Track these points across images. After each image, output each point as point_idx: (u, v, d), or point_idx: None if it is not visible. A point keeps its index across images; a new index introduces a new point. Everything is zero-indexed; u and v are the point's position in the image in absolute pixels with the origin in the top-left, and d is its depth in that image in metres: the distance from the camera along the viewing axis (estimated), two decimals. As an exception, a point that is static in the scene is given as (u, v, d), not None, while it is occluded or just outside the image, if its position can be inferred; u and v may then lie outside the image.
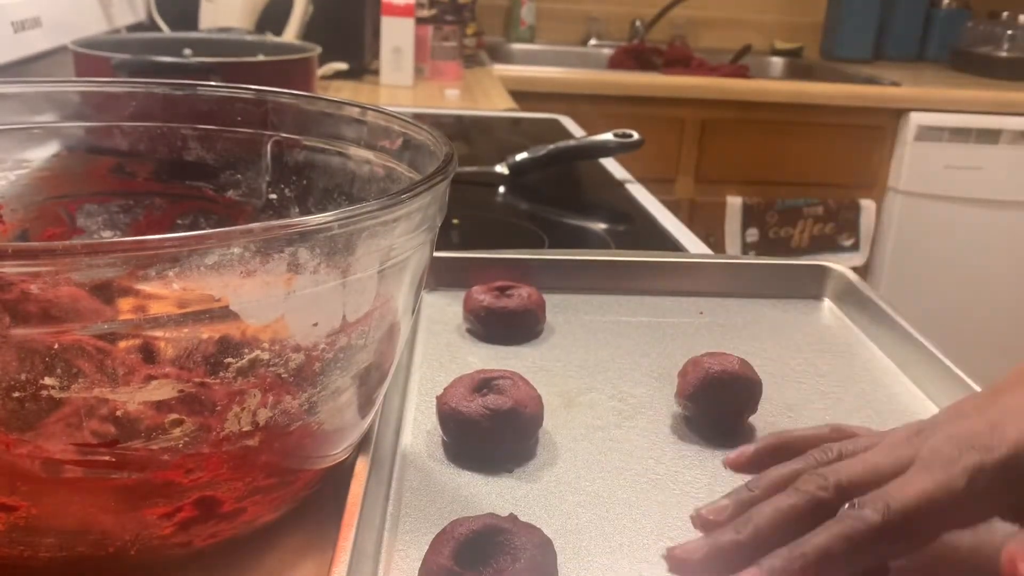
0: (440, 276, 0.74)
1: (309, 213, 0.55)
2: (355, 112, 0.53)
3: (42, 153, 0.54)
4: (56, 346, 0.33)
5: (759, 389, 0.55)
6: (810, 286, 0.77)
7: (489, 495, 0.48)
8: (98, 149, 0.55)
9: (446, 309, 0.71)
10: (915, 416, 0.59)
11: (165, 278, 0.32)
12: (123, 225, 0.57)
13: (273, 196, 0.56)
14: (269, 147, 0.55)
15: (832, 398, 0.60)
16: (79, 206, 0.56)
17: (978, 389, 0.56)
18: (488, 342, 0.66)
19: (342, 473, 0.45)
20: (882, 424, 0.57)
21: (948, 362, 0.60)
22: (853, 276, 0.75)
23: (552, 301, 0.71)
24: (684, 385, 0.55)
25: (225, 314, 0.34)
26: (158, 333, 0.33)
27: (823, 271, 0.77)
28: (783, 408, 0.56)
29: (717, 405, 0.54)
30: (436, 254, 0.73)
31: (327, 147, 0.54)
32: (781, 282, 0.77)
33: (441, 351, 0.65)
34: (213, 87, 0.56)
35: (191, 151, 0.56)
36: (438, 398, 0.52)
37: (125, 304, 0.32)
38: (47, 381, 0.33)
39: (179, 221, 0.57)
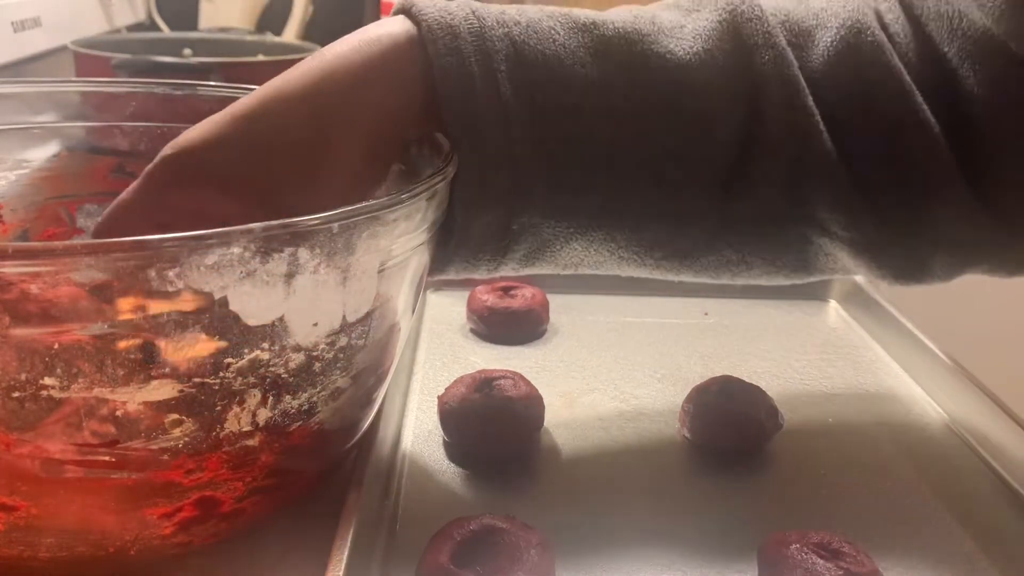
0: (444, 276, 0.74)
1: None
2: None
3: (42, 153, 0.54)
4: (56, 346, 0.32)
5: (778, 425, 0.54)
6: (816, 288, 0.76)
7: (489, 495, 0.48)
8: (98, 149, 0.55)
9: (450, 309, 0.71)
10: (919, 418, 0.59)
11: (165, 278, 0.32)
12: (123, 225, 0.56)
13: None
14: None
15: (835, 401, 0.60)
16: (79, 206, 0.56)
17: (983, 392, 0.56)
18: (491, 342, 0.66)
19: (342, 473, 0.45)
20: (884, 428, 0.58)
21: (953, 364, 0.60)
22: (859, 278, 0.74)
23: (556, 301, 0.71)
24: (693, 424, 0.54)
25: (225, 314, 0.34)
26: (157, 333, 0.33)
27: None
28: (786, 410, 0.56)
29: (726, 443, 0.53)
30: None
31: None
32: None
33: (444, 351, 0.65)
34: (213, 87, 0.56)
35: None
36: (439, 397, 0.52)
37: (125, 304, 0.32)
38: (47, 381, 0.33)
39: (179, 221, 0.57)
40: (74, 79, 0.55)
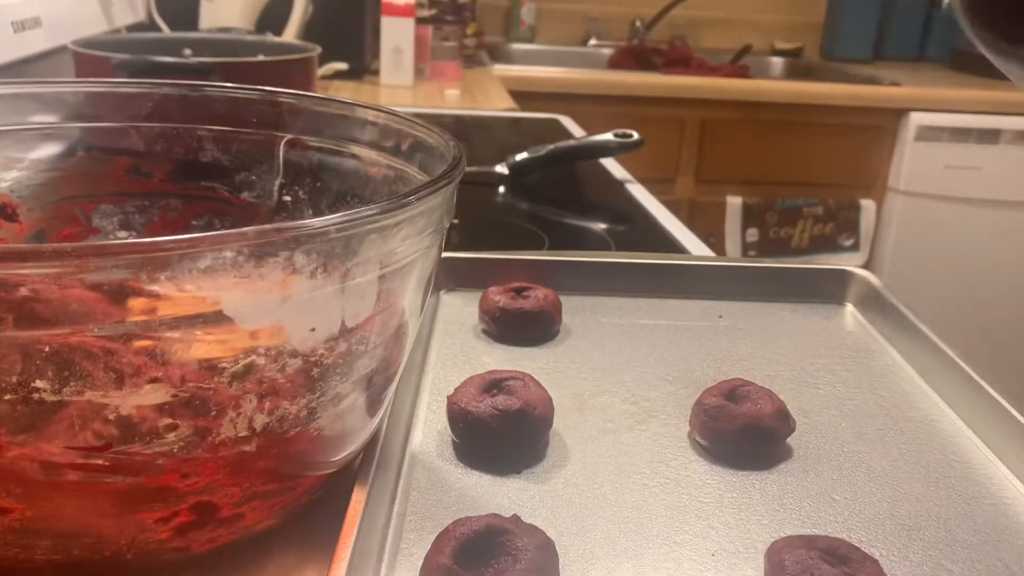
0: (457, 276, 0.74)
1: (322, 215, 0.55)
2: (368, 114, 0.52)
3: (59, 153, 0.54)
4: (47, 350, 0.32)
5: (789, 429, 0.54)
6: (832, 291, 0.76)
7: (496, 496, 0.48)
8: (114, 150, 0.55)
9: (463, 310, 0.70)
10: (933, 423, 0.58)
11: (158, 281, 0.31)
12: (138, 226, 0.56)
13: (287, 198, 0.56)
14: (282, 149, 0.55)
15: (849, 404, 0.60)
16: (95, 206, 0.56)
17: (999, 397, 0.56)
18: (503, 343, 0.66)
19: (348, 477, 0.45)
20: (898, 434, 0.57)
21: (968, 369, 0.59)
22: (876, 281, 0.74)
23: (570, 303, 0.71)
24: (704, 427, 0.53)
25: (219, 318, 0.33)
26: (150, 337, 0.33)
27: (846, 275, 0.76)
28: (799, 415, 0.55)
29: (736, 447, 0.53)
30: (453, 255, 0.73)
31: (341, 149, 0.54)
32: (803, 286, 0.76)
33: (456, 351, 0.64)
34: (230, 88, 0.56)
35: (206, 152, 0.56)
36: (448, 398, 0.52)
37: (117, 308, 0.32)
38: (38, 384, 0.33)
39: (194, 222, 0.57)
40: (93, 80, 0.55)
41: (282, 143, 0.55)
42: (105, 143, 0.55)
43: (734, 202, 2.34)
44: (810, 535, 0.43)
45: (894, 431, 0.57)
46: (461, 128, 1.54)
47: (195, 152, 0.56)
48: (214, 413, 0.36)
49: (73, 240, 0.55)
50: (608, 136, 1.19)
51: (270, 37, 1.61)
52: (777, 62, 2.91)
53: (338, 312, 0.37)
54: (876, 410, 0.59)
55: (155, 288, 0.31)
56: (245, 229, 0.32)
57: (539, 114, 1.72)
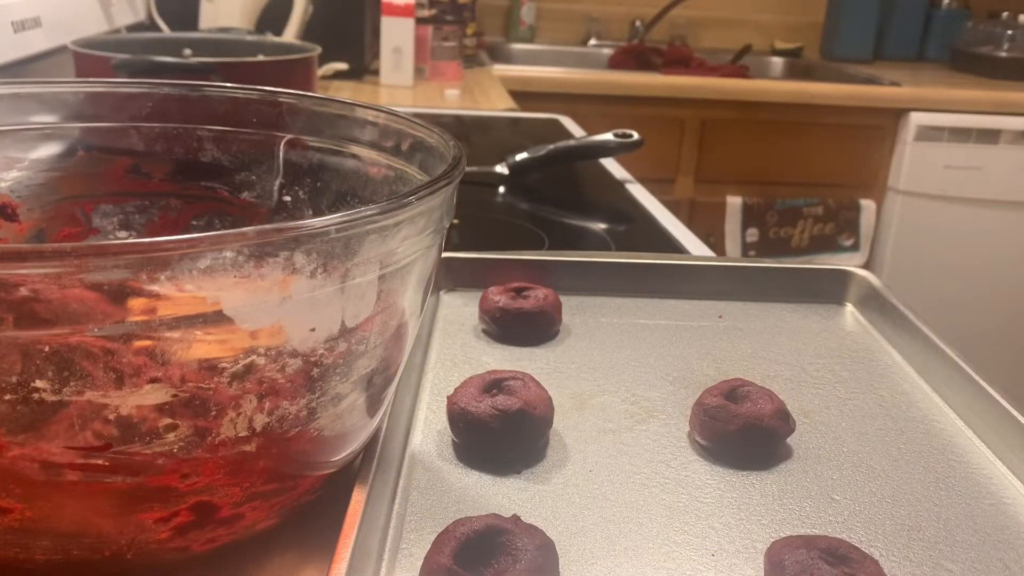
0: (457, 277, 0.74)
1: (322, 215, 0.55)
2: (368, 114, 0.52)
3: (59, 153, 0.54)
4: (46, 349, 0.32)
5: (789, 429, 0.54)
6: (832, 291, 0.76)
7: (496, 496, 0.48)
8: (114, 150, 0.55)
9: (463, 310, 0.70)
10: (933, 423, 0.58)
11: (158, 281, 0.31)
12: (138, 226, 0.56)
13: (287, 198, 0.56)
14: (282, 149, 0.55)
15: (849, 404, 0.60)
16: (95, 206, 0.56)
17: (999, 397, 0.56)
18: (503, 343, 0.66)
19: (348, 477, 0.45)
20: (898, 434, 0.57)
21: (968, 369, 0.59)
22: (876, 281, 0.74)
23: (570, 303, 0.71)
24: (704, 427, 0.53)
25: (218, 318, 0.33)
26: (150, 337, 0.33)
27: (846, 276, 0.76)
28: (799, 415, 0.55)
29: (736, 447, 0.53)
30: (453, 255, 0.73)
31: (341, 149, 0.54)
32: (803, 286, 0.76)
33: (456, 351, 0.64)
34: (229, 88, 0.56)
35: (206, 152, 0.56)
36: (448, 398, 0.52)
37: (117, 308, 0.32)
38: (38, 384, 0.33)
39: (194, 222, 0.57)
40: (93, 80, 0.55)
41: (282, 143, 0.55)
42: (105, 143, 0.55)
43: (734, 202, 2.34)
44: (810, 535, 0.43)
45: (894, 431, 0.57)
46: (461, 128, 1.54)
47: (195, 152, 0.56)
48: (214, 413, 0.36)
49: (73, 240, 0.55)
50: (608, 136, 1.19)
51: (270, 37, 1.61)
52: (777, 62, 2.91)
53: (338, 312, 0.37)
54: (876, 410, 0.59)
55: (155, 288, 0.31)
56: (245, 229, 0.32)
57: (539, 114, 1.72)
